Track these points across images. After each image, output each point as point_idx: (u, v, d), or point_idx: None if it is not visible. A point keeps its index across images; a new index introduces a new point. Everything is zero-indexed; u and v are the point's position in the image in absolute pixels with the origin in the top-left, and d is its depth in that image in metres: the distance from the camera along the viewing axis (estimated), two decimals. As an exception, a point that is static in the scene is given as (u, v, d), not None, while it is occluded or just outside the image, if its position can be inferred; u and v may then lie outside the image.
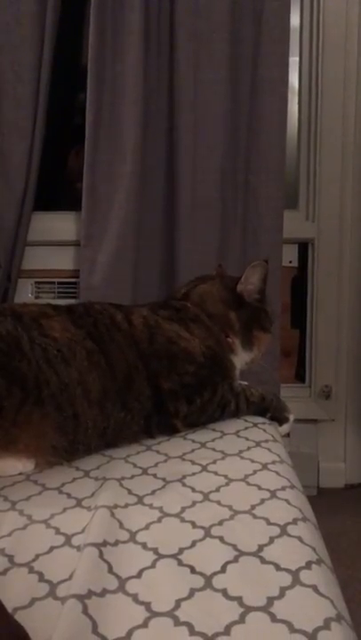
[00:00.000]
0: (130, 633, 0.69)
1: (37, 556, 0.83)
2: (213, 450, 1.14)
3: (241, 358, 1.40)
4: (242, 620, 0.70)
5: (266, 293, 1.44)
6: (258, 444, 1.16)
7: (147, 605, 0.73)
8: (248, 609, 0.72)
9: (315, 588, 0.74)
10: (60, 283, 2.16)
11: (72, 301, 2.02)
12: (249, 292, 1.41)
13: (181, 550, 0.83)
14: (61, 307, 1.29)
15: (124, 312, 1.31)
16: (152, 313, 1.33)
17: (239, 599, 0.73)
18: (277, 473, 1.04)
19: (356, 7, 2.10)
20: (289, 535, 0.85)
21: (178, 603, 0.73)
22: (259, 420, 1.29)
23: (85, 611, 0.70)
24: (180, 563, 0.81)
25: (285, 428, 1.34)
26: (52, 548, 0.85)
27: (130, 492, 1.00)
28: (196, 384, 1.25)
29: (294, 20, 2.12)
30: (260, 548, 0.83)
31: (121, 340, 1.25)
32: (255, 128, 2.02)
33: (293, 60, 2.16)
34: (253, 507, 0.93)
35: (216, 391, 1.27)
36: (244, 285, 1.41)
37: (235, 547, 0.83)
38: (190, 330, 1.32)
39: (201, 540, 0.85)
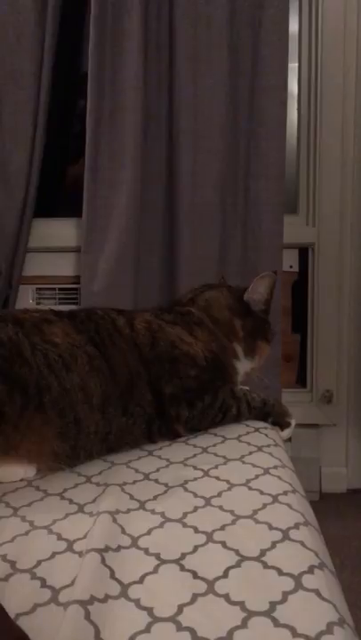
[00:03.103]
0: (132, 638, 0.69)
1: (39, 562, 0.83)
2: (215, 455, 1.14)
3: (243, 365, 1.41)
4: (244, 624, 0.70)
5: (271, 305, 1.46)
6: (260, 448, 1.16)
7: (149, 611, 0.73)
8: (250, 614, 0.71)
9: (317, 593, 0.74)
10: (61, 289, 2.17)
11: (73, 307, 2.03)
12: (255, 302, 1.42)
13: (183, 555, 0.83)
14: (63, 312, 1.29)
15: (127, 317, 1.32)
16: (155, 317, 1.34)
17: (242, 604, 0.73)
18: (279, 477, 1.04)
19: (355, 13, 2.11)
20: (291, 540, 0.85)
21: (180, 608, 0.73)
22: (260, 424, 1.29)
23: (88, 616, 0.70)
24: (183, 568, 0.81)
25: (287, 432, 1.34)
26: (54, 554, 0.85)
27: (132, 497, 1.00)
28: (197, 388, 1.25)
29: (293, 25, 2.13)
30: (263, 552, 0.82)
31: (123, 346, 1.25)
32: (255, 133, 2.03)
33: (293, 66, 2.17)
34: (255, 511, 0.92)
35: (217, 396, 1.27)
36: (250, 295, 1.42)
37: (237, 552, 0.83)
38: (194, 333, 1.32)
39: (203, 545, 0.85)
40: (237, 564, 0.80)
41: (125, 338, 1.27)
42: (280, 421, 1.33)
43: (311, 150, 2.19)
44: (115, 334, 1.26)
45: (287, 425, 1.34)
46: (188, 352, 1.28)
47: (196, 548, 0.84)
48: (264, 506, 0.94)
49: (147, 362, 1.25)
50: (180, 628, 0.70)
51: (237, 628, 0.70)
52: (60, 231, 2.15)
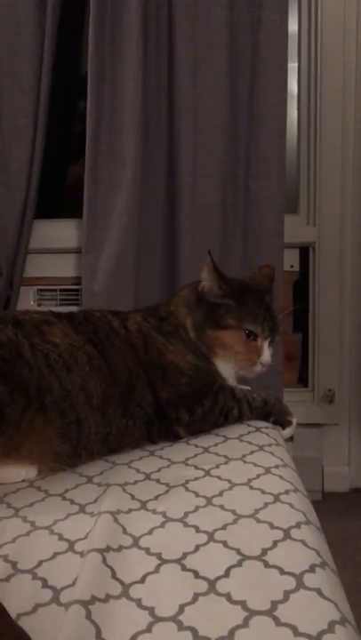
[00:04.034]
0: (134, 638, 0.69)
1: (41, 563, 0.83)
2: (216, 454, 1.14)
3: (221, 367, 1.32)
4: (246, 624, 0.70)
5: (231, 285, 1.32)
6: (261, 447, 1.16)
7: (150, 610, 0.73)
8: (252, 613, 0.71)
9: (319, 592, 0.74)
10: (62, 290, 2.17)
11: (74, 308, 2.03)
12: (208, 289, 1.33)
13: (185, 555, 0.83)
14: (62, 314, 1.30)
15: (121, 318, 1.32)
16: (144, 320, 1.33)
17: (243, 603, 0.73)
18: (281, 477, 1.04)
19: (354, 12, 2.11)
20: (292, 539, 0.85)
21: (182, 607, 0.73)
22: (262, 424, 1.29)
23: (89, 616, 0.70)
24: (184, 567, 0.81)
25: (289, 431, 1.34)
26: (55, 554, 0.85)
27: (133, 497, 1.00)
28: (193, 394, 1.25)
29: (292, 25, 2.13)
30: (264, 551, 0.82)
31: (121, 346, 1.25)
32: (255, 133, 2.03)
33: (292, 66, 2.17)
34: (257, 511, 0.92)
35: (217, 399, 1.27)
36: (202, 285, 1.34)
37: (238, 551, 0.83)
38: (172, 344, 1.30)
39: (204, 544, 0.85)
40: (239, 564, 0.80)
41: (122, 338, 1.27)
42: (281, 420, 1.33)
43: (311, 150, 2.18)
44: (112, 334, 1.27)
45: (289, 423, 1.34)
46: (172, 361, 1.27)
47: (197, 548, 0.84)
48: (265, 505, 0.94)
49: (144, 363, 1.25)
50: (181, 627, 0.70)
51: (239, 627, 0.70)
52: (60, 232, 2.15)
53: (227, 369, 1.32)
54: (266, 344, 1.31)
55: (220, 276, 1.32)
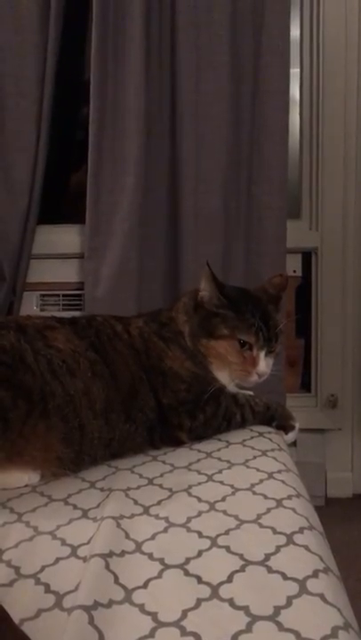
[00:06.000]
0: (136, 643, 0.69)
1: (43, 568, 0.83)
2: (219, 459, 1.14)
3: (219, 375, 1.30)
4: (249, 629, 0.70)
5: (229, 295, 1.29)
6: (264, 453, 1.16)
7: (153, 616, 0.73)
8: (255, 618, 0.71)
9: (322, 597, 0.74)
10: (65, 295, 2.17)
11: (77, 313, 2.03)
12: (208, 300, 1.30)
13: (188, 560, 0.83)
14: (64, 319, 1.30)
15: (123, 323, 1.32)
16: (145, 325, 1.33)
17: (246, 608, 0.73)
18: (283, 482, 1.04)
19: (356, 17, 2.11)
20: (295, 544, 0.85)
21: (184, 613, 0.73)
22: (264, 429, 1.29)
23: (92, 622, 0.70)
24: (187, 573, 0.81)
25: (291, 436, 1.34)
26: (58, 560, 0.85)
27: (136, 502, 1.00)
28: (193, 400, 1.24)
29: (294, 31, 2.14)
30: (267, 557, 0.82)
31: (124, 351, 1.25)
32: (257, 139, 2.03)
33: (294, 72, 2.18)
34: (260, 516, 0.92)
35: (220, 405, 1.26)
36: (201, 294, 1.32)
37: (241, 556, 0.83)
38: (171, 350, 1.29)
39: (207, 549, 0.85)
40: (242, 569, 0.80)
41: (125, 343, 1.27)
42: (284, 425, 1.33)
43: (313, 155, 2.19)
44: (115, 339, 1.27)
45: (291, 428, 1.34)
46: (171, 367, 1.27)
47: (200, 553, 0.84)
48: (268, 510, 0.94)
49: (146, 369, 1.25)
50: (184, 632, 0.70)
51: (242, 632, 0.69)
52: (63, 237, 2.15)
53: (224, 377, 1.30)
54: (262, 354, 1.27)
55: (219, 287, 1.29)
